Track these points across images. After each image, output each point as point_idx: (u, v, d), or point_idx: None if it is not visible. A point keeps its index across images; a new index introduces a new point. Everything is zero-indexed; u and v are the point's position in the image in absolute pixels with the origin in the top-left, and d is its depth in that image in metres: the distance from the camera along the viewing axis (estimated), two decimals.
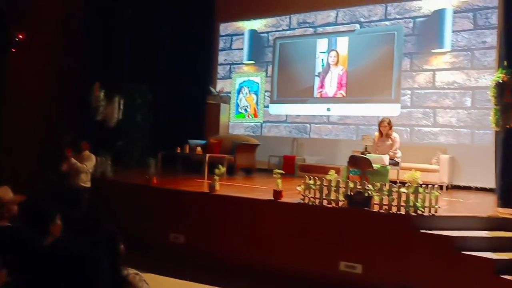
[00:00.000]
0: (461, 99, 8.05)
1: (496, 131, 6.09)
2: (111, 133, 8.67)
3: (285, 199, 5.42)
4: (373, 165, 6.01)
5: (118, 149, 8.63)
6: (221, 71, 11.01)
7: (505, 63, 5.72)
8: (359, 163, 6.07)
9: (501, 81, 5.59)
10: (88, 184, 6.45)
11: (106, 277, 2.24)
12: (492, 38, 7.79)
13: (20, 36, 8.15)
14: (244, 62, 10.68)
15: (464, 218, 4.99)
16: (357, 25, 9.23)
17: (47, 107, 8.38)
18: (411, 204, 4.76)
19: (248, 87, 10.59)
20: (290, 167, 8.78)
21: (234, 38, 10.87)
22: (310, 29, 9.82)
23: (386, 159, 6.26)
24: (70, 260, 2.24)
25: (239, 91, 10.71)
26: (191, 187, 6.47)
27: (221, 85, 10.77)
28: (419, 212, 4.76)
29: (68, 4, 8.83)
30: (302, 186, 5.31)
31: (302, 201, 5.29)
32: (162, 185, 6.52)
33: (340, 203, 5.09)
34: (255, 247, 5.35)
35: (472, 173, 7.69)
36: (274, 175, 5.51)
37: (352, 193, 4.99)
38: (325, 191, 5.17)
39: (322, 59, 9.60)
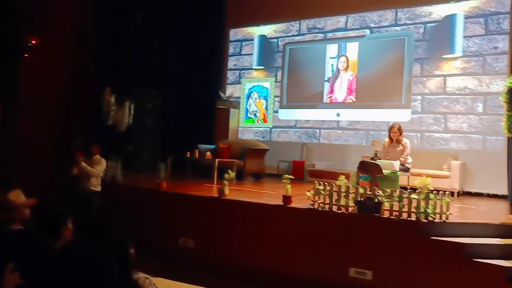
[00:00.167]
0: (473, 105, 7.98)
1: (508, 137, 6.02)
2: (122, 138, 8.75)
3: (294, 204, 5.41)
4: (383, 171, 5.98)
5: (128, 154, 8.69)
6: (230, 76, 11.05)
7: None
8: (369, 169, 6.04)
9: None
10: (99, 188, 6.49)
11: (117, 281, 2.26)
12: (504, 43, 7.72)
13: (33, 42, 8.26)
14: (254, 67, 10.71)
15: (475, 225, 4.93)
16: (367, 31, 9.22)
17: (59, 112, 8.48)
18: (422, 210, 4.72)
19: (257, 92, 10.61)
20: (300, 172, 8.76)
21: (243, 43, 10.91)
22: (320, 34, 9.82)
23: (396, 165, 6.21)
24: (81, 263, 2.26)
25: (248, 96, 10.73)
26: (200, 192, 6.48)
27: (230, 90, 10.80)
28: (430, 218, 4.72)
29: (80, 10, 8.95)
30: (312, 192, 5.30)
31: (311, 207, 5.28)
32: (172, 190, 6.54)
33: (350, 209, 5.06)
34: (265, 252, 5.34)
35: (484, 179, 7.60)
36: (283, 180, 5.50)
37: (362, 199, 4.96)
38: (335, 197, 5.15)
39: (332, 65, 9.59)
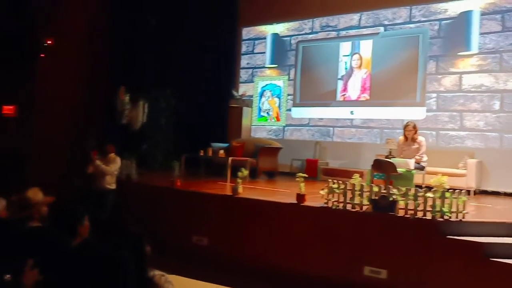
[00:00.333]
0: (489, 103, 7.86)
1: None
2: (136, 136, 8.82)
3: (308, 202, 5.39)
4: (398, 169, 5.93)
5: (142, 152, 8.76)
6: (243, 75, 11.05)
7: None
8: (383, 167, 5.99)
9: None
10: (114, 186, 6.56)
11: (133, 278, 2.28)
12: None
13: (49, 42, 8.37)
14: (267, 65, 10.70)
15: (492, 224, 4.87)
16: (381, 28, 9.14)
17: (74, 111, 8.58)
18: (438, 209, 4.67)
19: (270, 91, 10.60)
20: (313, 171, 8.72)
21: (256, 42, 10.90)
22: (333, 32, 9.77)
23: (411, 163, 6.15)
24: (98, 261, 2.29)
25: (261, 95, 10.73)
26: (214, 190, 6.51)
27: (243, 89, 10.81)
28: (446, 217, 4.66)
29: (95, 10, 9.04)
30: (326, 190, 5.28)
31: (325, 205, 5.26)
32: (186, 188, 6.58)
33: (364, 208, 5.03)
34: (278, 251, 5.34)
35: (501, 178, 7.49)
36: (296, 179, 5.49)
37: (376, 198, 4.93)
38: (349, 195, 5.12)
39: (345, 62, 9.53)
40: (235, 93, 10.42)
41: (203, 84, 10.44)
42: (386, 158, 6.17)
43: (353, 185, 5.12)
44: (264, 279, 4.99)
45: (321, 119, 9.81)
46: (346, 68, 9.51)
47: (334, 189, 5.20)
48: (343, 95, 9.53)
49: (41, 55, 8.35)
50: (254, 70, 10.89)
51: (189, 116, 10.15)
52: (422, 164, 6.52)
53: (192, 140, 9.36)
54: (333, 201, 5.21)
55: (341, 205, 5.15)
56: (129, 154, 7.47)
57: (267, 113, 10.63)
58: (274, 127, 10.50)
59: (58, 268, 2.33)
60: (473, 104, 8.01)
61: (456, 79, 8.20)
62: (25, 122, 8.41)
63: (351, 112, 9.37)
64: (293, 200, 5.45)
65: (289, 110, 10.28)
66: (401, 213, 4.82)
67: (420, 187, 5.47)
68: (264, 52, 10.73)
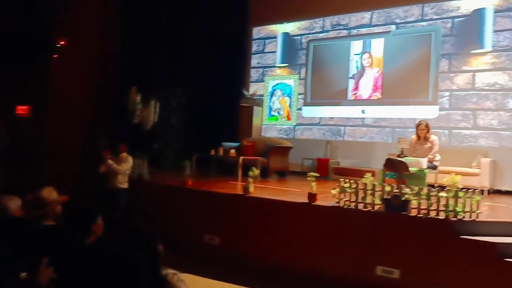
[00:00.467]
0: (503, 101, 7.75)
1: None
2: (148, 136, 8.87)
3: (319, 202, 5.38)
4: (410, 168, 5.88)
5: (154, 151, 8.81)
6: (254, 74, 11.05)
7: None
8: (395, 166, 5.96)
9: None
10: (126, 185, 6.61)
11: (146, 277, 2.29)
12: None
13: (62, 42, 8.46)
14: (277, 65, 10.68)
15: (507, 223, 4.82)
16: (393, 26, 9.07)
17: (86, 111, 8.66)
18: (451, 208, 4.63)
19: (281, 90, 10.58)
20: (324, 170, 8.69)
21: (267, 41, 10.89)
22: (344, 31, 9.72)
23: (423, 162, 6.11)
24: (112, 260, 2.30)
25: (272, 94, 10.72)
26: (225, 189, 6.52)
27: (254, 88, 10.81)
28: (459, 217, 4.62)
29: (107, 11, 9.11)
30: (337, 189, 5.26)
31: (337, 204, 5.24)
32: (197, 187, 6.60)
33: (376, 207, 5.00)
34: (290, 250, 5.34)
35: None
36: (308, 178, 5.48)
37: (389, 197, 4.90)
38: (361, 194, 5.10)
39: (357, 61, 9.48)
40: (245, 92, 10.42)
41: (213, 83, 10.46)
42: (398, 157, 6.13)
43: (365, 184, 5.09)
44: (276, 278, 4.99)
45: (332, 118, 9.77)
46: (357, 67, 9.47)
47: (346, 189, 5.18)
48: (355, 94, 9.48)
49: (54, 56, 8.45)
50: (265, 69, 10.89)
51: (200, 115, 10.18)
52: (435, 163, 6.46)
53: (203, 139, 9.39)
54: (344, 201, 5.19)
55: (352, 204, 5.13)
56: (140, 153, 7.51)
57: (278, 112, 10.62)
58: (284, 126, 10.49)
59: (72, 266, 2.35)
60: (486, 103, 7.91)
61: (469, 77, 8.11)
62: (38, 122, 8.52)
63: (363, 111, 9.32)
64: (304, 199, 5.44)
65: (300, 109, 10.26)
66: (413, 212, 4.78)
67: (433, 186, 5.42)
68: (274, 52, 10.72)
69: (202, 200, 6.29)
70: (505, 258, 4.26)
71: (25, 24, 8.38)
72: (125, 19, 9.34)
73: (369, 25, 9.37)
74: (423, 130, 6.60)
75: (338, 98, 9.65)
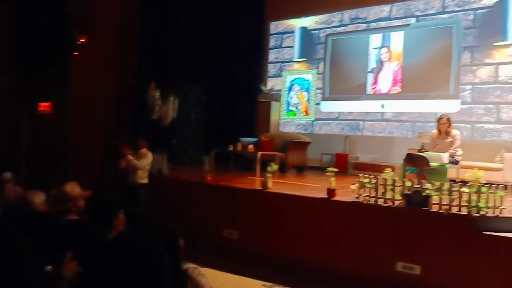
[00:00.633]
0: None
1: None
2: (167, 132, 8.95)
3: (338, 197, 5.35)
4: (431, 163, 5.79)
5: (173, 147, 8.88)
6: (271, 69, 11.02)
7: None
8: (416, 161, 5.87)
9: None
10: (146, 181, 6.69)
11: (167, 271, 2.32)
12: None
13: (82, 40, 8.57)
14: (295, 59, 10.63)
15: None
16: (413, 19, 8.92)
17: (107, 107, 8.78)
18: (474, 204, 4.55)
19: (299, 85, 10.54)
20: (343, 165, 8.63)
21: (284, 36, 10.84)
22: (363, 24, 9.60)
23: (445, 157, 6.00)
24: (134, 254, 2.33)
25: (289, 89, 10.68)
26: (244, 184, 6.54)
27: (271, 83, 10.78)
28: (482, 212, 4.54)
29: (126, 8, 9.20)
30: (357, 185, 5.22)
31: (356, 200, 5.20)
32: (216, 182, 6.64)
33: (397, 202, 4.95)
34: (309, 245, 5.33)
35: None
36: (326, 173, 5.45)
37: (409, 192, 4.84)
38: (380, 190, 5.05)
39: (376, 55, 9.36)
40: (263, 87, 10.40)
41: (231, 79, 10.47)
42: (418, 152, 6.04)
43: (385, 179, 5.04)
44: (295, 272, 4.98)
45: (351, 112, 9.69)
46: (376, 61, 9.35)
47: (365, 184, 5.14)
48: (374, 88, 9.37)
49: (75, 53, 8.57)
50: (282, 64, 10.85)
51: (218, 111, 10.22)
52: (457, 158, 6.34)
53: (222, 135, 9.42)
54: (364, 196, 5.15)
55: (372, 200, 5.09)
56: (160, 149, 7.59)
57: (296, 107, 10.58)
58: (302, 121, 10.44)
59: (95, 260, 2.39)
60: (510, 96, 7.73)
61: (492, 70, 7.93)
62: (60, 119, 8.67)
63: (382, 106, 9.21)
64: (323, 194, 5.42)
65: (318, 104, 10.19)
66: (434, 208, 4.72)
67: (455, 181, 5.34)
68: (292, 46, 10.67)
69: (221, 195, 6.33)
70: None
71: (47, 23, 8.52)
72: (144, 17, 9.41)
73: (388, 18, 9.24)
74: (444, 124, 6.47)
75: (357, 92, 9.56)
